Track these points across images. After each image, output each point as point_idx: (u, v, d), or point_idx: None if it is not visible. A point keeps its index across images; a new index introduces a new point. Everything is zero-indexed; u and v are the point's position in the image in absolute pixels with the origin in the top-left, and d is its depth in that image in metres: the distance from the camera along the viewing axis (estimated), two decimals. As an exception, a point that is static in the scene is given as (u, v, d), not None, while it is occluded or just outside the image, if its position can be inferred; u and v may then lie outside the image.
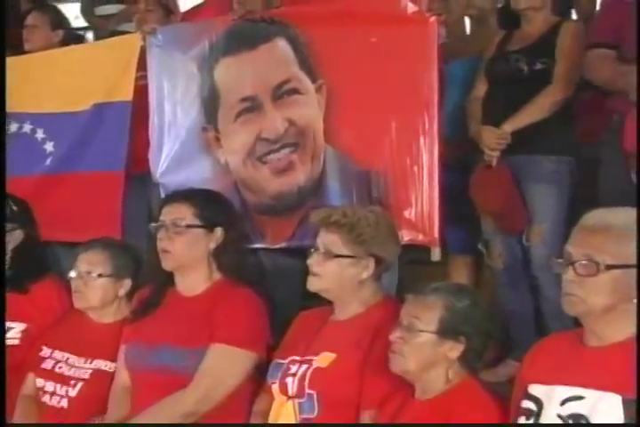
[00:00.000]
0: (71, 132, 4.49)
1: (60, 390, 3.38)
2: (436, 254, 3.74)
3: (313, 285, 3.01)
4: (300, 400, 2.90)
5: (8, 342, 3.55)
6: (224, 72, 4.14)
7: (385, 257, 3.02)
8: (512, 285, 3.74)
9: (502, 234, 3.73)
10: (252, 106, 4.05)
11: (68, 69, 4.48)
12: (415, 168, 3.70)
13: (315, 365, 2.92)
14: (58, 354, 3.46)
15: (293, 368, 2.95)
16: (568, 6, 4.32)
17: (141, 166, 4.29)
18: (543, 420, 2.32)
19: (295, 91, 3.99)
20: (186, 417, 3.06)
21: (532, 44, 3.79)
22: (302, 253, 3.24)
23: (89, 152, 4.42)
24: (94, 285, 3.44)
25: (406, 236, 3.47)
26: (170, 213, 3.27)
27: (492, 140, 3.65)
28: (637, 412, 2.14)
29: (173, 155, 4.26)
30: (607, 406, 2.21)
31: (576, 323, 2.44)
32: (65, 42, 4.96)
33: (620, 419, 2.19)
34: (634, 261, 2.24)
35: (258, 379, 3.14)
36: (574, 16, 4.44)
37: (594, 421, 2.22)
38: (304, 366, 2.94)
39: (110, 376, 3.33)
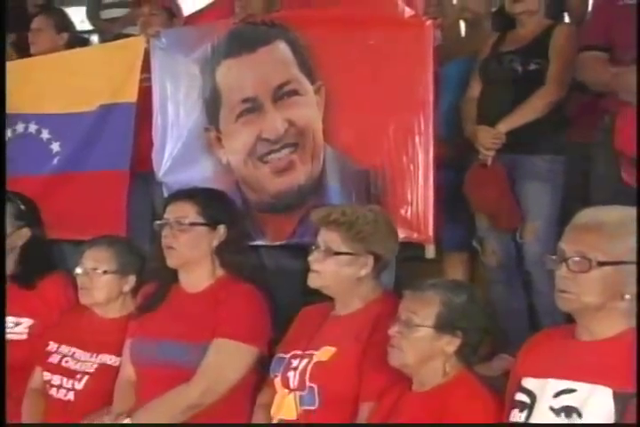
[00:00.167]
0: (77, 133, 4.49)
1: (67, 383, 3.38)
2: (430, 252, 3.75)
3: (313, 281, 3.02)
4: (301, 393, 2.91)
5: (16, 336, 3.56)
6: (225, 74, 4.14)
7: (383, 254, 3.02)
8: (506, 281, 3.74)
9: (496, 231, 3.74)
10: (252, 107, 4.05)
11: (73, 71, 4.48)
12: (411, 167, 3.71)
13: (315, 359, 2.93)
14: (64, 348, 3.46)
15: (295, 362, 2.96)
16: (561, 10, 4.33)
17: (145, 166, 4.29)
18: (536, 412, 2.33)
19: (295, 92, 3.99)
20: (190, 409, 3.07)
21: (526, 45, 3.79)
22: (303, 251, 3.25)
23: (94, 152, 4.42)
24: (100, 281, 3.44)
25: (402, 233, 3.46)
26: (174, 212, 3.28)
27: (488, 139, 3.66)
28: (638, 411, 2.14)
29: (176, 154, 4.26)
30: (598, 398, 2.22)
31: (568, 318, 2.44)
32: (70, 45, 4.96)
33: (611, 411, 2.20)
34: (625, 258, 2.25)
35: (260, 373, 3.15)
36: (567, 19, 4.44)
37: (585, 413, 2.23)
38: (305, 360, 2.94)
39: (115, 370, 3.33)
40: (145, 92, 4.31)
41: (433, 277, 2.98)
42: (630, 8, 3.51)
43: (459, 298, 2.67)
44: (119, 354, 3.34)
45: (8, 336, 3.55)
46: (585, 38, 3.72)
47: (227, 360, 3.09)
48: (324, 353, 2.94)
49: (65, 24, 5.08)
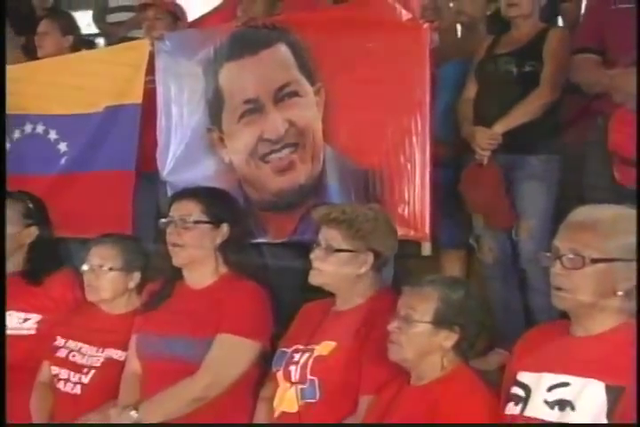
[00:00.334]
0: (83, 134, 4.49)
1: (74, 377, 3.38)
2: (426, 249, 3.75)
3: (315, 278, 3.02)
4: (303, 386, 2.91)
5: (25, 332, 3.56)
6: (228, 76, 4.14)
7: (383, 251, 3.03)
8: (502, 278, 3.75)
9: (492, 230, 3.74)
10: (254, 108, 4.05)
11: (79, 73, 4.48)
12: (409, 166, 3.70)
13: (316, 353, 2.94)
14: (71, 343, 3.46)
15: (296, 356, 2.97)
16: (555, 13, 4.34)
17: (150, 165, 4.29)
18: (531, 405, 2.33)
19: (295, 93, 3.99)
20: (194, 402, 3.07)
21: (521, 47, 3.80)
22: (304, 248, 3.25)
23: (101, 152, 4.42)
24: (105, 278, 3.45)
25: (399, 231, 3.45)
26: (178, 210, 3.28)
27: (484, 140, 3.66)
28: (638, 411, 2.15)
29: (180, 154, 4.26)
30: (591, 392, 2.23)
31: (562, 314, 2.45)
32: (75, 47, 4.96)
33: (604, 404, 2.20)
34: (618, 255, 2.26)
35: (263, 367, 3.16)
36: (561, 23, 4.45)
37: (579, 406, 2.24)
38: (306, 355, 2.95)
39: (121, 364, 3.33)
40: (149, 94, 4.31)
41: (429, 273, 2.98)
42: (622, 12, 3.52)
43: (456, 294, 2.68)
44: (124, 349, 3.34)
45: (17, 331, 3.56)
46: (579, 41, 3.74)
47: (230, 355, 3.09)
48: (325, 347, 2.94)
49: (70, 27, 5.07)
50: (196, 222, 3.24)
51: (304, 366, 2.93)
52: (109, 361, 3.37)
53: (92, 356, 3.40)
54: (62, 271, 3.71)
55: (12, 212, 3.74)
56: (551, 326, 2.51)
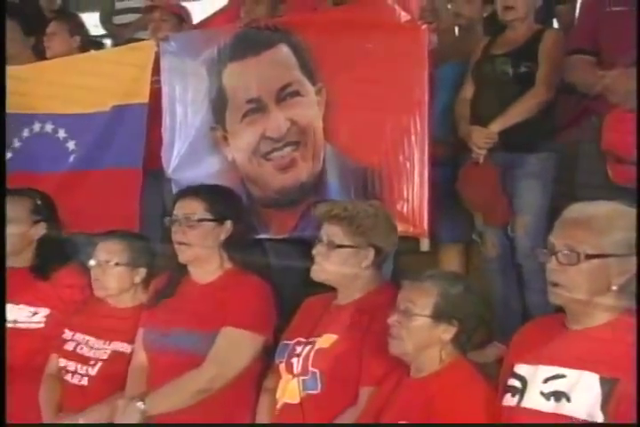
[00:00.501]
0: (92, 132, 4.48)
1: (81, 369, 3.39)
2: (425, 245, 3.76)
3: (317, 274, 3.03)
4: (304, 378, 2.92)
5: (34, 325, 3.56)
6: (231, 76, 4.13)
7: (384, 247, 3.03)
8: (502, 272, 3.76)
9: (489, 226, 3.75)
10: (257, 107, 4.04)
11: (87, 73, 4.47)
12: (407, 165, 3.70)
13: (317, 345, 2.95)
14: (79, 336, 3.47)
15: (298, 349, 2.98)
16: (550, 16, 4.34)
17: (155, 163, 4.29)
18: (527, 396, 2.34)
19: (297, 93, 3.98)
20: (200, 393, 3.08)
21: (517, 48, 3.79)
22: (304, 244, 3.25)
23: (109, 150, 4.41)
24: (112, 273, 3.45)
25: (399, 228, 3.46)
26: (182, 208, 3.29)
27: (481, 139, 3.66)
28: (638, 410, 2.15)
29: (184, 152, 4.25)
30: (586, 384, 2.24)
31: (557, 308, 2.45)
32: (83, 47, 4.96)
33: (598, 396, 2.21)
34: (612, 251, 2.26)
35: (266, 359, 3.17)
36: (556, 25, 4.45)
37: (574, 398, 2.24)
38: (308, 347, 2.96)
39: (127, 357, 3.34)
40: (155, 94, 4.30)
41: (428, 268, 2.98)
42: (616, 14, 3.53)
43: (455, 289, 2.68)
44: (130, 342, 3.35)
45: (26, 325, 3.56)
46: (573, 42, 3.74)
47: (234, 348, 3.11)
48: (326, 340, 2.95)
49: (78, 28, 5.06)
50: (200, 221, 3.24)
51: (306, 359, 2.94)
52: (116, 354, 3.38)
53: (99, 349, 3.41)
54: (70, 266, 3.71)
55: (21, 208, 3.74)
56: (547, 320, 2.51)
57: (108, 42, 6.00)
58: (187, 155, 4.24)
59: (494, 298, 3.71)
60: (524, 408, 2.34)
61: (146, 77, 4.32)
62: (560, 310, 2.42)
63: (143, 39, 4.82)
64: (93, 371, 3.37)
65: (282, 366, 3.00)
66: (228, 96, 4.13)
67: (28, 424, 3.38)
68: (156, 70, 4.30)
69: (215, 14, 5.33)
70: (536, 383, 2.33)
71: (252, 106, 4.06)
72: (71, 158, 4.53)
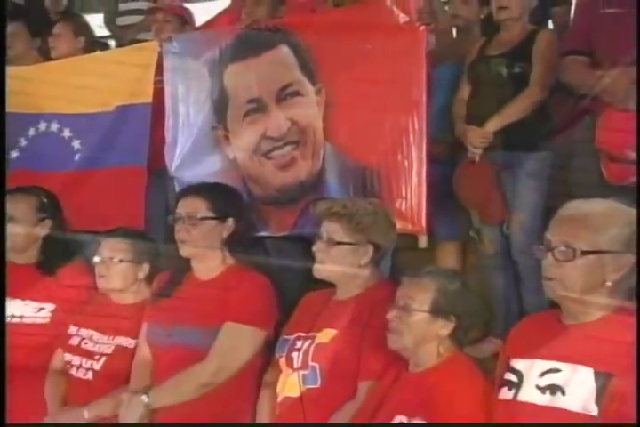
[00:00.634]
0: (96, 132, 4.47)
1: (86, 363, 3.39)
2: (423, 242, 3.75)
3: (318, 271, 3.03)
4: (304, 372, 2.92)
5: (39, 320, 3.56)
6: (232, 76, 4.13)
7: (382, 244, 3.04)
8: (499, 268, 3.76)
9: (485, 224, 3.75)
10: (257, 107, 4.04)
11: (92, 74, 4.46)
12: (405, 163, 3.70)
13: (317, 340, 2.95)
14: (84, 331, 3.47)
15: (298, 343, 2.98)
16: (545, 17, 4.33)
17: (158, 162, 4.28)
18: (523, 390, 2.34)
19: (297, 93, 3.98)
20: (203, 387, 3.09)
21: (511, 49, 3.79)
22: (304, 241, 3.25)
23: (114, 149, 4.41)
24: (116, 269, 3.46)
25: (397, 225, 3.47)
26: (185, 207, 3.29)
27: (476, 138, 3.66)
28: (638, 410, 2.15)
29: (186, 151, 4.25)
30: (580, 377, 2.24)
31: (551, 303, 2.45)
32: (87, 48, 4.95)
33: (592, 390, 2.21)
34: (607, 247, 2.27)
35: (267, 354, 3.17)
36: (551, 26, 4.45)
37: (569, 391, 2.25)
38: (308, 342, 2.96)
39: (130, 352, 3.34)
40: (158, 94, 4.30)
41: (425, 265, 2.98)
42: (610, 16, 3.53)
43: (452, 285, 2.69)
44: (134, 337, 3.35)
45: (32, 320, 3.56)
46: (568, 43, 3.74)
47: (237, 342, 3.11)
48: (326, 335, 2.95)
49: (82, 29, 5.06)
50: (203, 219, 3.24)
51: (306, 353, 2.94)
52: (119, 348, 3.38)
53: (104, 343, 3.41)
54: (75, 263, 3.71)
55: (27, 206, 3.74)
56: (543, 316, 2.52)
57: (112, 43, 6.00)
58: (189, 153, 4.24)
59: (491, 294, 3.71)
60: (520, 402, 2.34)
61: (149, 77, 4.32)
62: (555, 306, 2.42)
63: (146, 40, 4.82)
64: (98, 365, 3.37)
65: (282, 361, 3.00)
66: (230, 96, 4.13)
67: (28, 424, 3.37)
68: (159, 70, 4.30)
69: (217, 16, 5.32)
70: (532, 377, 2.33)
71: (252, 106, 4.06)
72: (76, 157, 4.52)
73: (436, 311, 2.65)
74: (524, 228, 3.59)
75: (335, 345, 2.92)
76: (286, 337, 3.05)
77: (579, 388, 2.23)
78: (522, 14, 3.82)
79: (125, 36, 5.70)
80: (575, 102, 3.77)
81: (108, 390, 3.29)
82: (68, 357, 3.44)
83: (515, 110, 3.68)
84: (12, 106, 4.43)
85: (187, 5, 5.41)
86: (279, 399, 2.99)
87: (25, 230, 3.69)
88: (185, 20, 4.93)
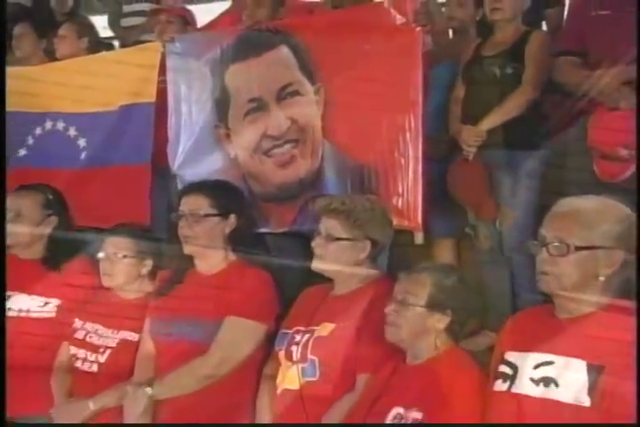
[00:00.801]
0: (101, 131, 4.47)
1: (91, 356, 3.39)
2: (419, 238, 3.75)
3: (317, 265, 3.03)
4: (303, 365, 2.92)
5: (46, 315, 3.55)
6: (234, 76, 4.13)
7: (380, 240, 3.04)
8: (494, 264, 3.76)
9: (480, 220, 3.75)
10: (258, 106, 4.04)
11: (96, 74, 4.45)
12: (402, 161, 3.69)
13: (316, 334, 2.95)
14: (88, 325, 3.46)
15: (298, 337, 2.98)
16: (538, 18, 4.33)
17: (162, 161, 4.28)
18: (518, 382, 2.34)
19: (297, 93, 3.98)
20: (205, 379, 3.09)
21: (505, 50, 3.78)
22: (303, 237, 3.25)
23: (119, 148, 4.40)
24: (120, 265, 3.45)
25: (394, 221, 3.47)
26: (188, 204, 3.29)
27: (470, 137, 3.66)
28: (638, 409, 2.15)
29: (189, 149, 4.25)
30: (573, 370, 2.24)
31: (544, 298, 2.45)
32: (91, 49, 4.95)
33: (585, 382, 2.21)
34: (600, 243, 2.27)
35: (268, 347, 3.16)
36: (544, 27, 4.44)
37: (562, 383, 2.25)
38: (307, 335, 2.96)
39: (134, 345, 3.34)
40: (162, 93, 4.29)
41: (422, 261, 2.98)
42: (602, 18, 3.53)
43: (448, 280, 2.69)
44: (137, 331, 3.35)
45: (38, 315, 3.55)
46: (561, 44, 3.74)
47: (238, 336, 3.11)
48: (325, 329, 2.95)
49: (87, 30, 5.07)
50: (206, 216, 3.24)
51: (305, 347, 2.95)
52: (124, 342, 3.38)
53: (108, 337, 3.41)
54: (79, 259, 3.69)
55: (33, 203, 3.73)
56: (537, 310, 2.52)
57: (116, 43, 5.99)
58: (191, 152, 4.24)
59: (486, 289, 3.71)
60: (514, 393, 2.34)
61: (153, 77, 4.31)
62: (549, 301, 2.42)
63: (149, 41, 4.81)
64: (103, 358, 3.37)
65: (281, 354, 3.01)
66: (231, 95, 4.13)
67: (28, 424, 3.37)
68: (162, 71, 4.30)
69: (218, 17, 5.32)
70: (526, 370, 2.33)
71: (253, 105, 4.05)
72: (82, 155, 4.52)
73: (433, 306, 2.65)
74: (516, 225, 3.59)
75: (334, 339, 2.92)
76: (286, 331, 3.05)
77: (572, 380, 2.23)
78: (515, 15, 3.82)
79: (129, 37, 5.68)
80: (569, 102, 3.77)
81: (112, 382, 3.28)
82: (73, 350, 3.44)
83: (507, 109, 3.68)
84: (18, 105, 4.44)
85: (189, 7, 5.41)
86: (279, 392, 3.00)
87: (31, 227, 3.68)
88: (187, 21, 4.93)
